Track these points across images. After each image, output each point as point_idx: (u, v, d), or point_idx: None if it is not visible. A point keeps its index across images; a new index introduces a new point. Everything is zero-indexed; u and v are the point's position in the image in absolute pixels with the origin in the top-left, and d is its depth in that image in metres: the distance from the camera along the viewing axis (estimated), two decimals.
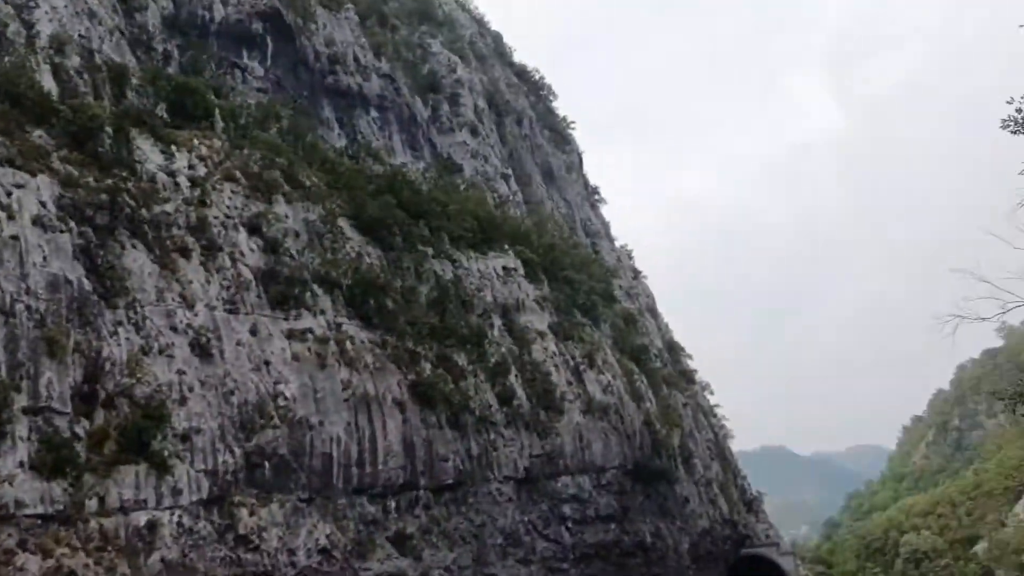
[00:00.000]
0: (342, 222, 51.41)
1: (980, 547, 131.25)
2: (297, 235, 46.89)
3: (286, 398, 40.92)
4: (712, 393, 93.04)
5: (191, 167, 44.02)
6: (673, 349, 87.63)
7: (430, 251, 55.95)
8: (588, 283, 69.07)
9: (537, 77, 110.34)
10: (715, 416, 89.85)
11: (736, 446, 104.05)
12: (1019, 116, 20.04)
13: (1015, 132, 20.15)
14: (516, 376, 54.35)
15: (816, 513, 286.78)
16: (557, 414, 55.05)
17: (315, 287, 45.78)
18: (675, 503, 64.65)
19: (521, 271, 61.41)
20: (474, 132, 78.63)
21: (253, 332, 41.08)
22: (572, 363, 58.92)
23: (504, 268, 60.15)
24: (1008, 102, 20.03)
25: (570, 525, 53.88)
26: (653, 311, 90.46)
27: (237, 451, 38.21)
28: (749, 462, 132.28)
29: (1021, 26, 19.68)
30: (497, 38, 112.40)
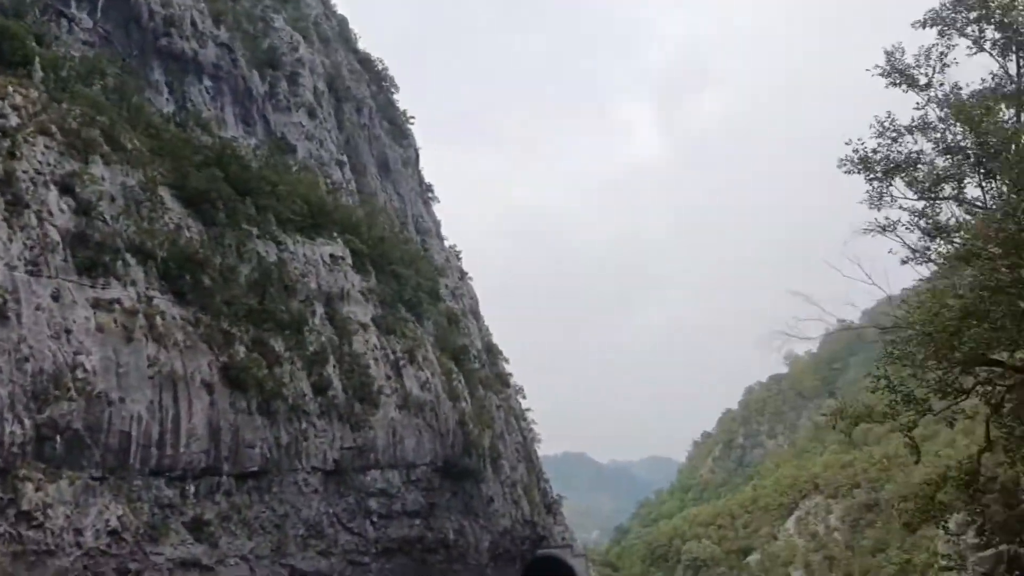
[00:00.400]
0: (163, 191, 48.88)
1: (753, 558, 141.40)
2: (113, 199, 44.14)
3: (86, 370, 38.45)
4: (524, 397, 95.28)
5: (2, 115, 40.60)
6: (491, 352, 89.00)
7: (255, 231, 54.13)
8: (415, 279, 69.06)
9: (380, 67, 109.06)
10: (525, 420, 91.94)
11: (540, 450, 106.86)
12: (855, 157, 22.07)
13: (849, 172, 22.21)
14: (334, 366, 53.55)
15: (609, 519, 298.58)
16: (373, 407, 54.67)
17: (128, 256, 43.29)
18: (480, 502, 65.69)
19: (349, 260, 60.59)
20: (311, 114, 76.78)
21: (55, 298, 38.35)
22: (392, 357, 58.71)
23: (331, 256, 59.14)
24: (847, 143, 22.01)
25: (375, 519, 53.64)
26: (476, 313, 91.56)
27: (27, 422, 35.54)
28: (551, 466, 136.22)
29: (875, 69, 21.65)
30: (343, 22, 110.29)
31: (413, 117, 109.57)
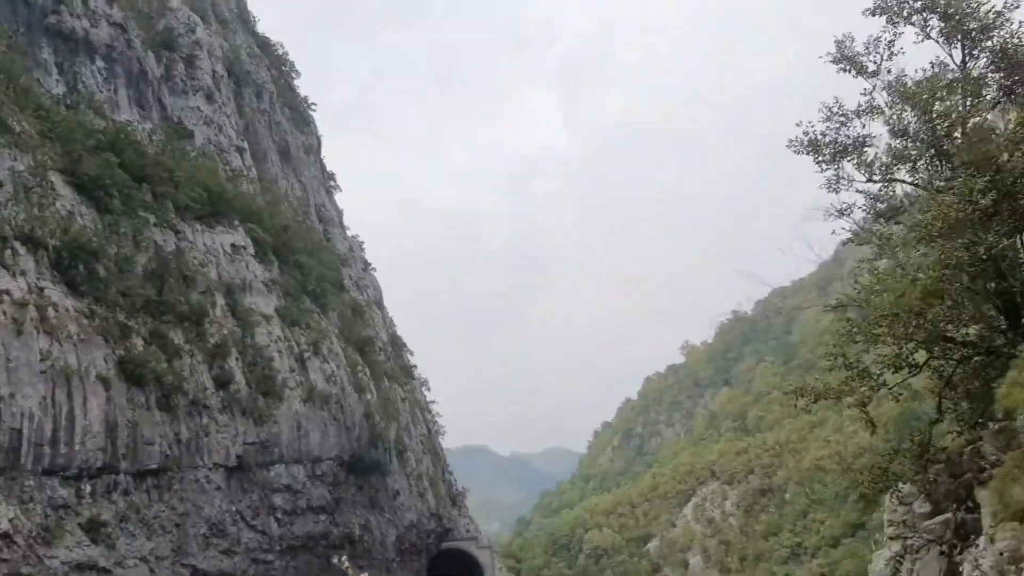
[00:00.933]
0: (54, 176, 46.52)
1: (652, 545, 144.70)
2: (1, 185, 41.76)
3: None
4: (429, 389, 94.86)
5: None
6: (396, 343, 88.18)
7: (152, 219, 52.11)
8: (319, 269, 67.69)
9: (280, 51, 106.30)
10: (430, 412, 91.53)
11: (442, 443, 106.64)
12: (804, 139, 22.76)
13: (798, 152, 22.94)
14: (237, 359, 52.07)
15: (510, 511, 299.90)
16: (277, 401, 53.41)
17: (17, 245, 41.06)
18: (386, 496, 65.07)
19: (251, 250, 58.94)
20: (210, 98, 74.20)
21: None
22: (297, 350, 57.45)
23: (233, 245, 57.41)
24: (797, 124, 22.77)
25: (280, 516, 52.46)
26: (380, 304, 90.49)
27: None
28: (452, 458, 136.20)
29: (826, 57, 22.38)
30: (241, 3, 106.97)
31: (314, 104, 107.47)
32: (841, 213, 23.32)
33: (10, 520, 36.82)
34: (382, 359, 75.05)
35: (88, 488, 41.25)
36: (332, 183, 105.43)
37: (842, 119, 22.82)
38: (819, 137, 22.84)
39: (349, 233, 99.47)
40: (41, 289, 41.54)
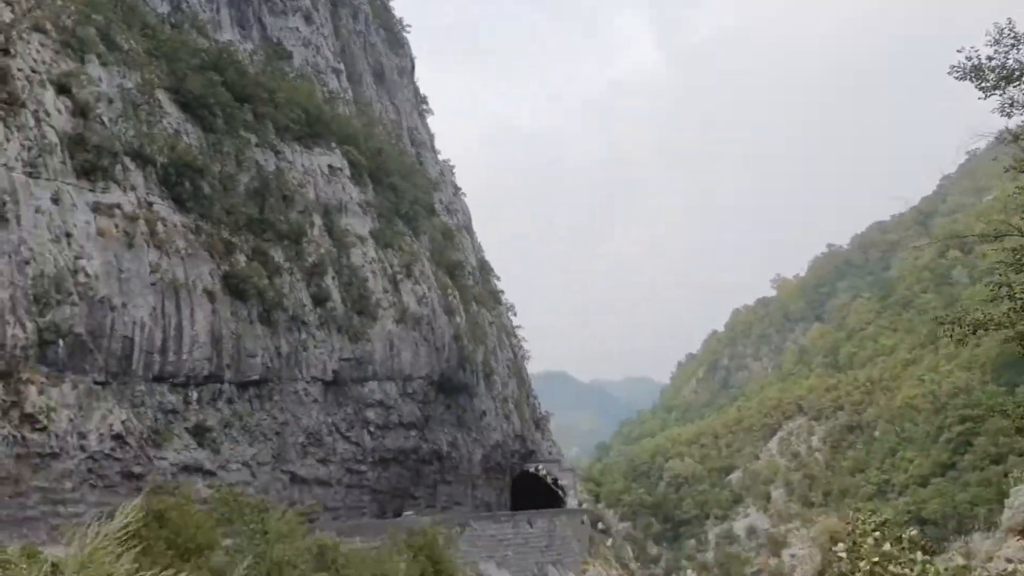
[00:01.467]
0: (161, 94, 47.83)
1: (734, 476, 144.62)
2: (111, 101, 43.15)
3: (87, 275, 38.19)
4: (515, 315, 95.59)
5: None
6: (484, 268, 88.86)
7: (253, 138, 53.26)
8: (412, 192, 68.36)
9: None
10: (516, 337, 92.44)
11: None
12: (968, 64, 21.82)
13: (960, 78, 22.05)
14: (333, 278, 53.38)
15: (588, 437, 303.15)
16: (371, 320, 54.73)
17: (127, 160, 42.59)
18: (473, 416, 66.44)
19: (347, 172, 59.83)
20: (308, 19, 74.67)
21: (55, 201, 37.77)
22: (390, 271, 58.52)
23: (330, 167, 58.38)
24: (959, 51, 21.86)
25: (372, 429, 54.23)
26: (469, 229, 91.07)
27: (29, 326, 35.38)
28: (532, 383, 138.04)
29: None
30: None
31: (409, 25, 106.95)
32: (1016, 138, 22.19)
33: (123, 422, 39.09)
34: (471, 283, 75.83)
35: (195, 395, 43.35)
36: (424, 106, 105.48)
37: (1012, 42, 21.60)
38: (984, 62, 21.74)
39: (440, 157, 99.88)
40: (150, 204, 43.15)
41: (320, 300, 51.67)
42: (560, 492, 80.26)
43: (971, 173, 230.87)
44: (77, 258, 38.01)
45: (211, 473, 42.71)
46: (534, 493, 78.29)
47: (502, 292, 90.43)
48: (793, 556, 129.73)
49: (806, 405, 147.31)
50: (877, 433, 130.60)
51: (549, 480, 75.46)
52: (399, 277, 59.01)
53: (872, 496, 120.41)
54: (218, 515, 23.71)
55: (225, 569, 21.01)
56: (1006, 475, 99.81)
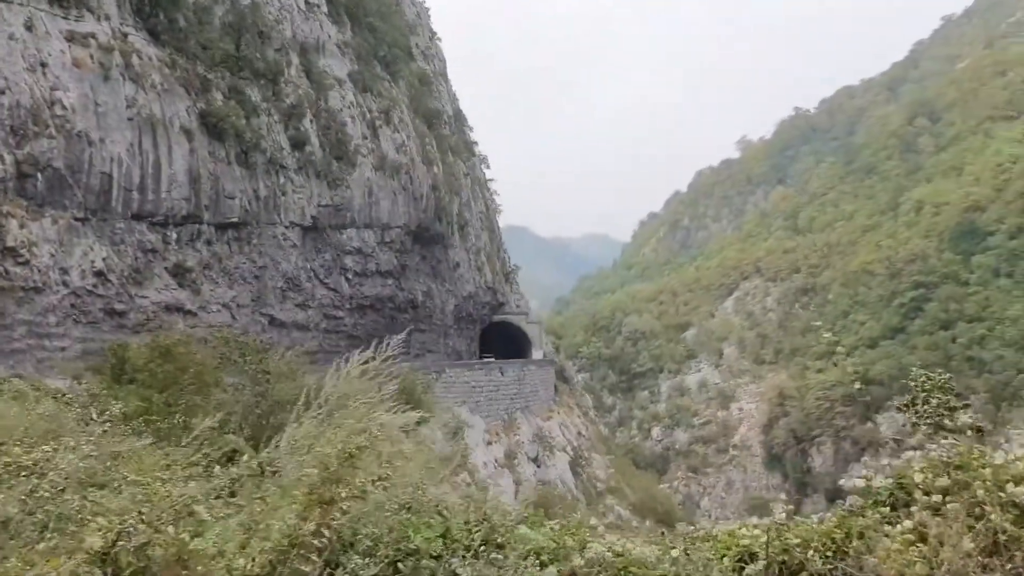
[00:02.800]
0: None
1: (690, 333, 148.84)
2: None
3: (64, 107, 36.73)
4: (488, 167, 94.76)
5: None
6: (459, 118, 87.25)
7: None
8: (391, 34, 65.99)
9: None
10: (488, 189, 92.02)
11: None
12: None
13: None
14: (311, 121, 52.09)
15: (548, 291, 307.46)
16: (349, 167, 53.87)
17: None
18: (447, 266, 66.84)
19: (324, 8, 57.40)
20: None
21: (28, 28, 35.81)
22: (369, 117, 57.19)
23: (307, 2, 55.89)
24: None
25: (350, 276, 54.39)
26: (444, 76, 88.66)
27: (7, 157, 34.25)
28: None
29: None
30: None
31: None
32: None
33: (104, 259, 38.68)
34: (447, 133, 74.60)
35: (174, 235, 42.81)
36: None
37: None
38: None
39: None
40: (125, 35, 41.16)
41: (298, 144, 50.57)
42: (528, 343, 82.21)
43: (945, 39, 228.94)
44: (53, 89, 36.46)
45: (192, 313, 42.78)
46: (502, 343, 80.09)
47: (476, 143, 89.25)
48: (741, 409, 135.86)
49: (764, 266, 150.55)
50: (831, 296, 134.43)
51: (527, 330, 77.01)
52: (378, 123, 57.75)
53: (822, 356, 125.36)
54: (220, 354, 23.86)
55: (228, 404, 21.33)
56: (954, 340, 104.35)
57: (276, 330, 48.39)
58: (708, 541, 5.40)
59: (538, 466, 59.65)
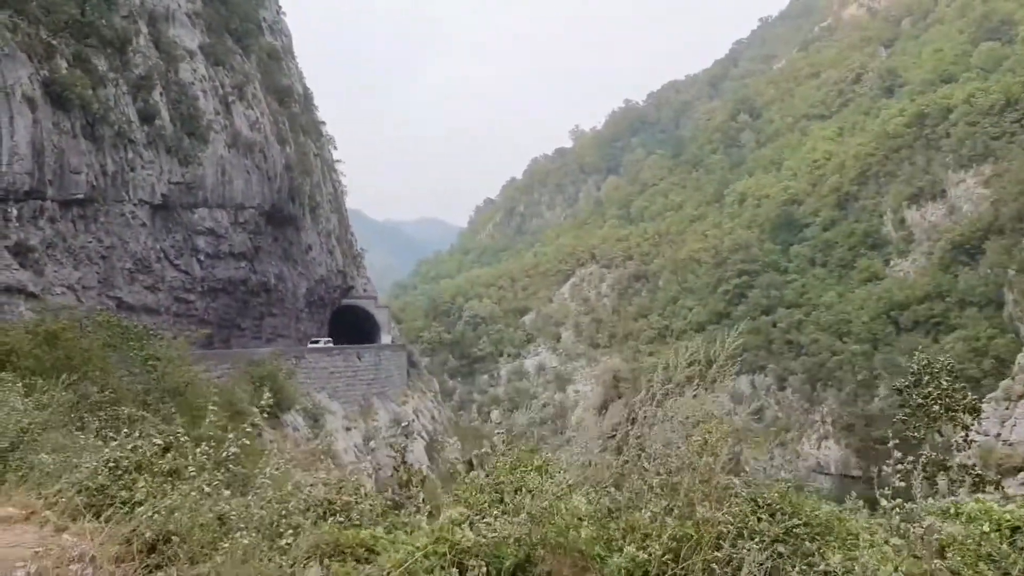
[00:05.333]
0: None
1: (528, 318, 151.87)
2: None
3: None
4: (336, 148, 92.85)
5: None
6: (307, 97, 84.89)
7: None
8: (243, 7, 63.31)
9: None
10: (335, 171, 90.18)
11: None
12: None
13: None
14: (161, 94, 49.47)
15: (381, 274, 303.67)
16: (202, 144, 51.57)
17: None
18: (300, 249, 65.27)
19: None
20: None
21: None
22: (221, 92, 54.86)
23: None
24: None
25: (202, 258, 52.16)
26: (291, 53, 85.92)
27: None
28: None
29: None
30: None
31: None
32: None
33: None
34: (297, 111, 72.55)
35: (15, 212, 39.67)
36: None
37: None
38: None
39: None
40: None
41: (147, 117, 47.95)
42: (376, 327, 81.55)
43: (762, 39, 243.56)
44: None
45: (35, 296, 39.82)
46: (348, 328, 79.07)
47: (323, 123, 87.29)
48: (577, 392, 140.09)
49: (599, 254, 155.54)
50: (661, 283, 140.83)
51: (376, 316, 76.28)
52: (231, 99, 55.50)
53: (653, 339, 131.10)
54: (101, 339, 22.56)
55: (120, 391, 20.32)
56: (775, 325, 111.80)
57: (124, 313, 45.59)
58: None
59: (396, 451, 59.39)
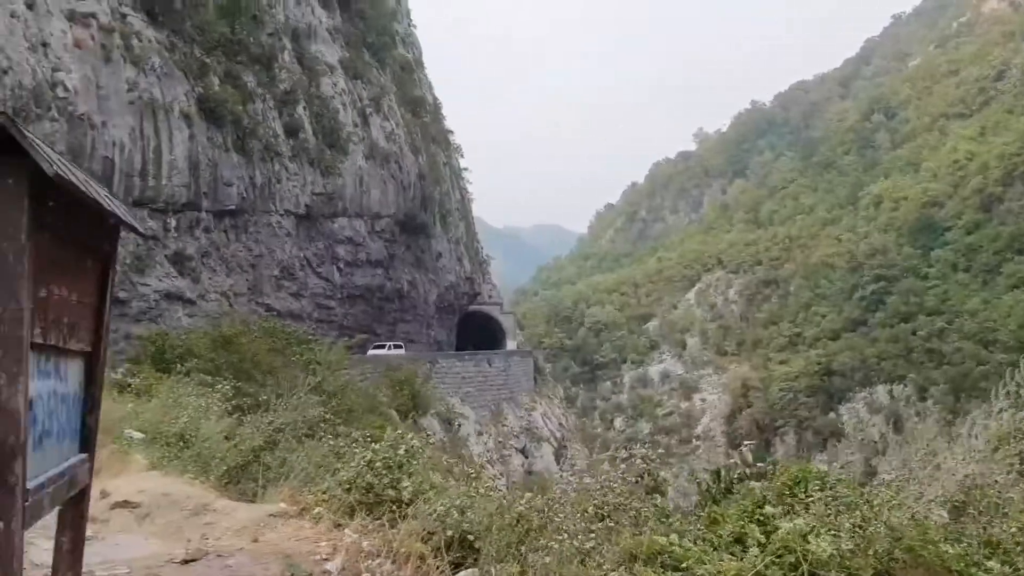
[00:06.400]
0: None
1: (652, 324, 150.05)
2: None
3: (67, 89, 35.76)
4: (463, 156, 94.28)
5: None
6: (436, 107, 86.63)
7: None
8: (379, 21, 65.17)
9: None
10: (463, 179, 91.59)
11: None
12: None
13: None
14: (304, 108, 51.35)
15: (502, 281, 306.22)
16: (342, 155, 53.23)
17: None
18: (430, 257, 66.44)
19: None
20: None
21: (29, 6, 34.77)
22: (359, 104, 56.53)
23: None
24: None
25: (342, 266, 53.80)
26: (421, 64, 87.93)
27: None
28: None
29: None
30: None
31: None
32: None
33: None
34: (428, 121, 74.03)
35: (173, 222, 41.92)
36: None
37: None
38: None
39: None
40: (124, 16, 40.16)
41: (292, 131, 49.84)
42: (503, 334, 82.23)
43: (895, 37, 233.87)
44: (55, 70, 35.44)
45: (191, 302, 41.99)
46: (477, 333, 79.98)
47: (451, 132, 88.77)
48: (704, 400, 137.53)
49: (726, 259, 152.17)
50: (792, 288, 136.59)
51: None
52: (368, 111, 57.13)
53: (784, 347, 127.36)
54: (267, 344, 23.51)
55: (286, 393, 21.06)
56: (915, 333, 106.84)
57: (272, 320, 47.69)
58: None
59: (526, 456, 59.79)
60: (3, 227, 2.15)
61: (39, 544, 5.52)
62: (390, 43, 67.42)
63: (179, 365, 19.28)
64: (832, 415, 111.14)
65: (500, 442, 56.74)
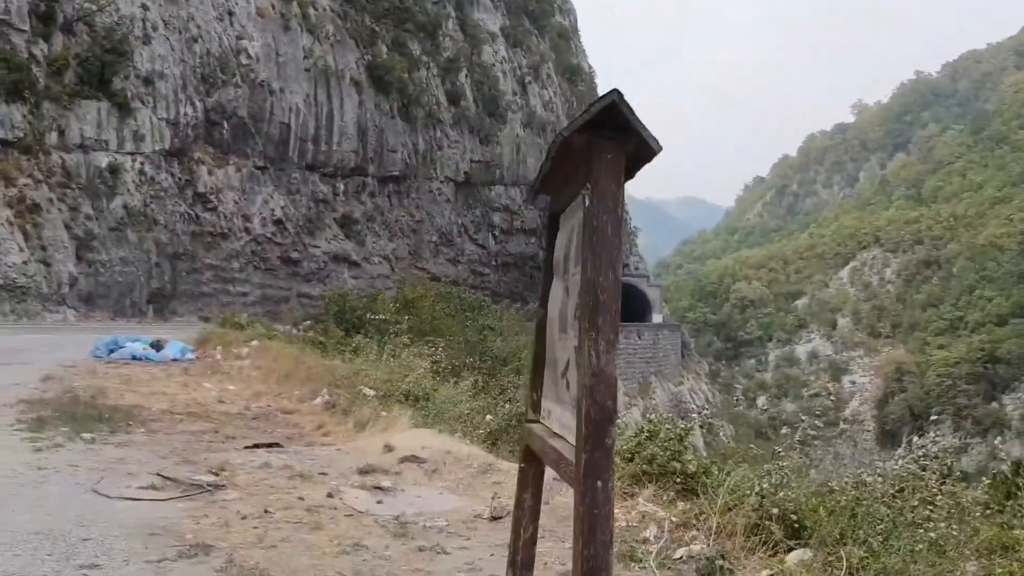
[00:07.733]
0: None
1: (801, 302, 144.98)
2: None
3: (249, 56, 37.38)
4: None
5: None
6: (591, 75, 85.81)
7: None
8: None
9: None
10: None
11: None
12: None
13: None
14: (466, 76, 51.85)
15: (645, 253, 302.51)
16: (500, 123, 53.57)
17: None
18: None
19: None
20: None
21: None
22: (519, 73, 56.67)
23: None
24: None
25: (497, 233, 54.34)
26: (577, 32, 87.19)
27: (198, 104, 35.06)
28: None
29: None
30: None
31: None
32: None
33: (282, 208, 39.41)
34: (583, 89, 73.41)
35: (342, 187, 43.37)
36: None
37: None
38: None
39: None
40: None
41: (454, 98, 50.45)
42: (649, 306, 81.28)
43: None
44: (239, 38, 37.08)
45: (356, 264, 43.40)
46: (623, 305, 79.25)
47: None
48: (853, 383, 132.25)
49: (883, 236, 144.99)
50: (955, 270, 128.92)
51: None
52: (527, 79, 57.22)
53: (944, 331, 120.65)
54: (443, 308, 24.04)
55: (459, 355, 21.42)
56: None
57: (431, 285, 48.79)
58: None
59: None
60: (604, 201, 2.20)
61: (348, 492, 5.74)
62: (549, 10, 67.08)
63: (365, 325, 19.92)
64: (995, 404, 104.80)
65: (647, 416, 56.21)
